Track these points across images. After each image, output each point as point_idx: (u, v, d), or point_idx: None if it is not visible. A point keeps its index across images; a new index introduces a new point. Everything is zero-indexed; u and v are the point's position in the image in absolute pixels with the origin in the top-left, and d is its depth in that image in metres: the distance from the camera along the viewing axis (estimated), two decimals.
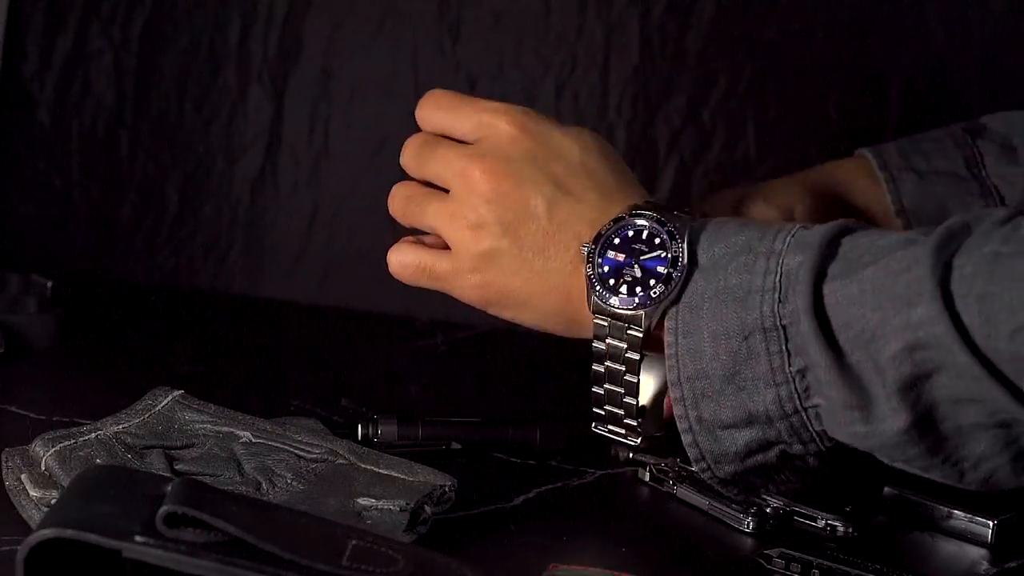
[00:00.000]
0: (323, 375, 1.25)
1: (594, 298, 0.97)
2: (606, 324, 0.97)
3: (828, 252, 0.90)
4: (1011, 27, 1.36)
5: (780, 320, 0.90)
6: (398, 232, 1.43)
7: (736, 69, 1.40)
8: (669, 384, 0.94)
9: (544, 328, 1.02)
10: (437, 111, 1.04)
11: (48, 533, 0.75)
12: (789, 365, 0.90)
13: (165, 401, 1.02)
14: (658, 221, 0.96)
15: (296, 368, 1.26)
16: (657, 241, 0.96)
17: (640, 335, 0.96)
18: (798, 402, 0.90)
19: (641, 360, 0.97)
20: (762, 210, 1.16)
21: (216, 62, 1.43)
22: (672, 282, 0.94)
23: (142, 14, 1.42)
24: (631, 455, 1.07)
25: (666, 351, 0.94)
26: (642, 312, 0.95)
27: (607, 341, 0.97)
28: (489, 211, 0.99)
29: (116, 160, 1.44)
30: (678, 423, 0.94)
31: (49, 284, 1.26)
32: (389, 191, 1.43)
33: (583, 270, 0.97)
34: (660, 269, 0.95)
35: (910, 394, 0.86)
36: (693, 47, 1.40)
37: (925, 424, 0.87)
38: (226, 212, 1.45)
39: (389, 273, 1.05)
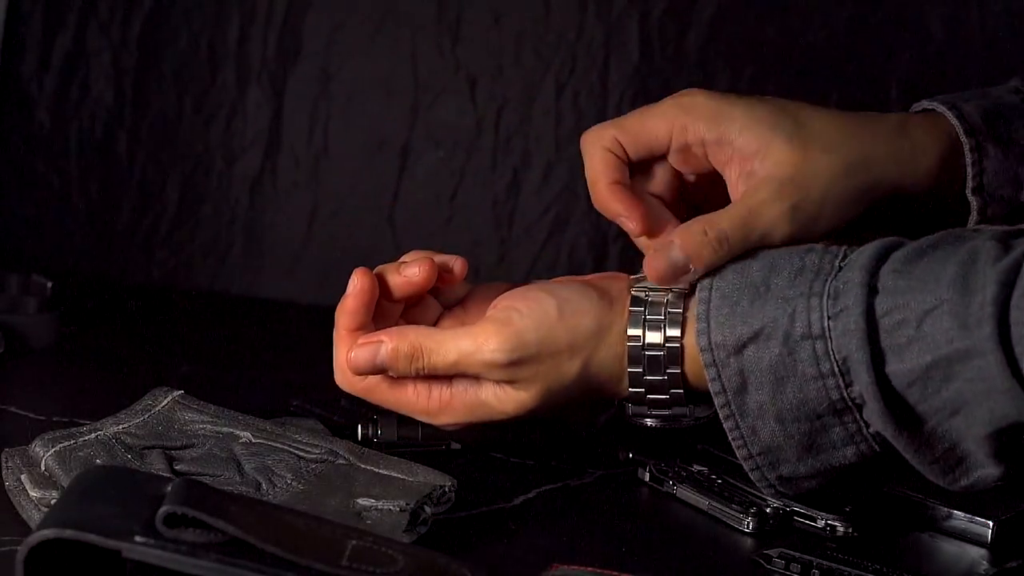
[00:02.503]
0: (323, 375, 1.25)
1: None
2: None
3: (873, 326, 0.88)
4: (1011, 27, 1.36)
5: (852, 401, 0.90)
6: (398, 232, 1.44)
7: (736, 69, 1.40)
8: (740, 458, 0.94)
9: None
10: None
11: (48, 533, 0.75)
12: (867, 427, 0.91)
13: (165, 401, 1.02)
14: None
15: (296, 368, 1.25)
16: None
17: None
18: (878, 450, 0.92)
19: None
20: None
21: (215, 62, 1.43)
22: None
23: (141, 14, 1.42)
24: (631, 455, 1.07)
25: (728, 432, 0.94)
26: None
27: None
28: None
29: (115, 160, 1.44)
30: (756, 482, 0.95)
31: (49, 284, 1.26)
32: (388, 191, 1.44)
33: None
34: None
35: (1005, 453, 0.89)
36: (693, 47, 1.40)
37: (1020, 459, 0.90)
38: (225, 212, 1.45)
39: None
